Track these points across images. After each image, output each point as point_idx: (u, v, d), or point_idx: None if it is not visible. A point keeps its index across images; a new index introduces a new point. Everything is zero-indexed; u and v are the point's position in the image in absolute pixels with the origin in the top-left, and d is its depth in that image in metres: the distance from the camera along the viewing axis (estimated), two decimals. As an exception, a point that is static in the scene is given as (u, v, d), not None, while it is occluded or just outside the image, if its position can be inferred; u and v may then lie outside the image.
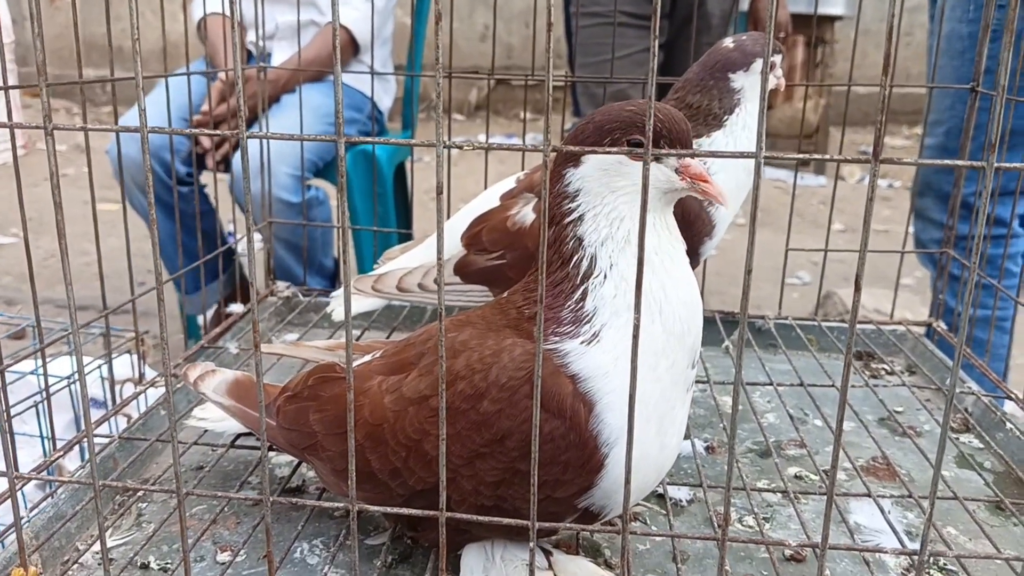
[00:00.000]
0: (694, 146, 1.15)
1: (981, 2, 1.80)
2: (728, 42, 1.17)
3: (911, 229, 1.94)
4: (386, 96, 2.63)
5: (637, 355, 0.62)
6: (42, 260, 3.62)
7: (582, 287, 0.76)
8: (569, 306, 0.76)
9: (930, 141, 1.97)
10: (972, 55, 1.83)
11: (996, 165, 0.58)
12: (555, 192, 0.78)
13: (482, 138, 5.83)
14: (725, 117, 1.17)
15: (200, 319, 2.54)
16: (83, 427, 1.14)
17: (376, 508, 0.70)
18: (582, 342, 0.75)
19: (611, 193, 0.75)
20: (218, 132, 0.61)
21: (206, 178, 2.32)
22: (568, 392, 0.73)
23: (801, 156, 0.60)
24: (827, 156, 0.60)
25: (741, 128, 1.17)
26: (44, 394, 1.15)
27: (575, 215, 0.76)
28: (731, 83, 1.17)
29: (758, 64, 1.15)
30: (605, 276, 0.75)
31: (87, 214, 1.22)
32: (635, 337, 0.62)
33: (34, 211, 3.84)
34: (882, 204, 4.73)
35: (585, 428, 0.73)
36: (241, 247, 2.36)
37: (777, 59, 1.21)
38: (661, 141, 0.75)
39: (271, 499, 0.69)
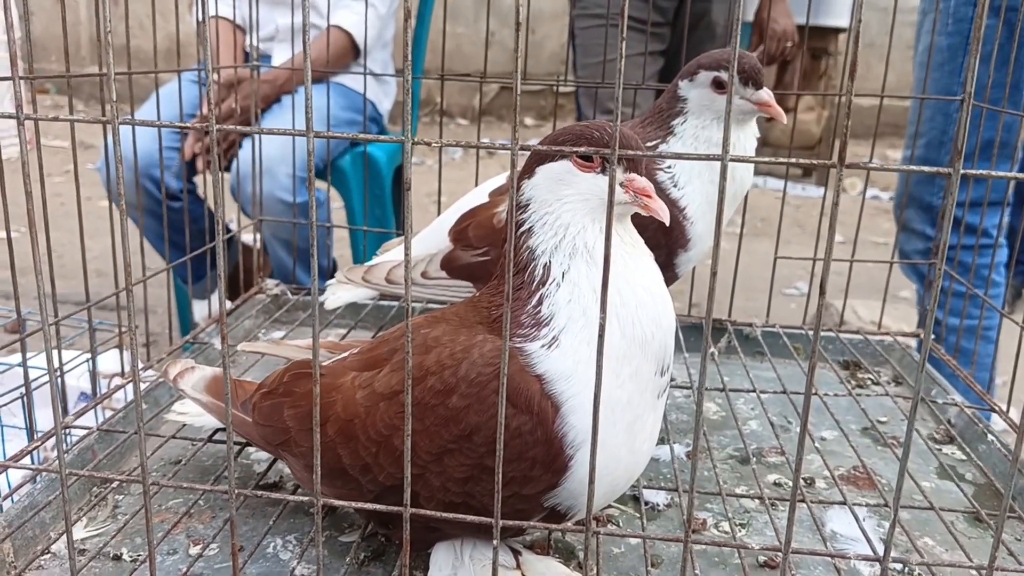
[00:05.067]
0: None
1: (959, 15, 1.81)
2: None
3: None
4: (386, 99, 2.63)
5: (602, 354, 0.62)
6: (41, 256, 3.62)
7: (538, 293, 0.77)
8: (528, 310, 0.77)
9: (909, 154, 1.98)
10: (951, 67, 1.83)
11: (963, 172, 0.59)
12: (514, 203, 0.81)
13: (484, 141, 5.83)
14: (671, 121, 1.15)
15: (197, 316, 2.55)
16: (77, 418, 1.14)
17: (341, 503, 0.70)
18: (542, 345, 0.76)
19: (557, 201, 0.77)
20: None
21: (200, 183, 2.33)
22: (536, 390, 0.73)
23: (765, 160, 0.60)
24: (789, 160, 0.60)
25: (693, 139, 1.14)
26: (27, 388, 1.15)
27: (526, 226, 0.78)
28: (678, 90, 1.15)
29: (702, 76, 1.12)
30: (558, 284, 0.77)
31: (88, 210, 1.23)
32: (600, 336, 0.62)
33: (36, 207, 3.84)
34: (883, 217, 4.73)
35: (552, 427, 0.73)
36: (246, 237, 2.37)
37: (736, 75, 1.12)
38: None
39: (236, 491, 0.69)
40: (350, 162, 2.46)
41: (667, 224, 0.76)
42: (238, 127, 0.60)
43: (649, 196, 0.74)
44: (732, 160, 0.58)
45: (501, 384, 0.62)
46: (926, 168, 0.59)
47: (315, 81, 2.46)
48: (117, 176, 0.61)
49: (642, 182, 0.75)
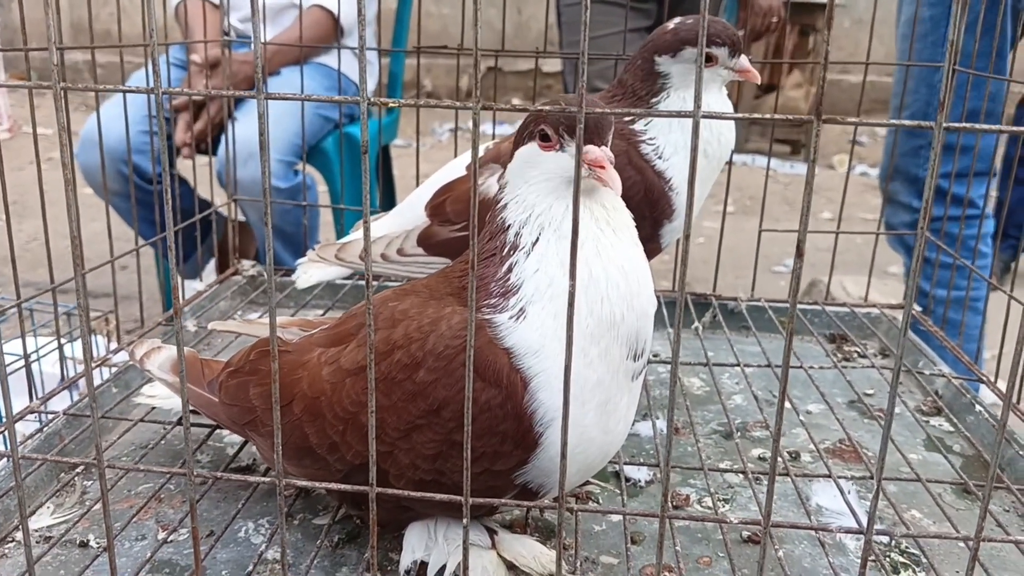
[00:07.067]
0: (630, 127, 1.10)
1: None
2: (670, 24, 1.10)
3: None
4: (370, 79, 2.60)
5: (572, 323, 0.59)
6: (24, 243, 3.58)
7: (508, 261, 0.76)
8: (498, 278, 0.76)
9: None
10: (934, 38, 1.81)
11: (945, 126, 0.56)
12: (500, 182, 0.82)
13: (469, 125, 5.80)
14: (651, 100, 1.11)
15: (183, 295, 2.51)
16: (44, 403, 1.11)
17: (305, 484, 0.68)
18: (510, 317, 0.74)
19: (525, 184, 0.78)
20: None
21: (182, 167, 2.29)
22: (505, 363, 0.71)
23: (742, 116, 0.57)
24: (766, 116, 0.57)
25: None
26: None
27: (503, 203, 0.79)
28: (656, 66, 1.10)
29: (688, 52, 1.07)
30: (527, 252, 0.76)
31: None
32: (570, 305, 0.59)
33: (16, 194, 3.80)
34: (871, 193, 4.71)
35: (521, 401, 0.71)
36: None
37: (722, 52, 1.09)
38: (560, 129, 0.75)
39: (195, 474, 0.66)
40: (333, 144, 2.42)
41: (616, 192, 0.73)
42: (185, 91, 0.57)
43: (602, 167, 0.72)
44: (704, 116, 0.55)
45: (468, 357, 0.60)
46: (907, 123, 0.56)
47: (298, 62, 2.43)
48: (60, 142, 0.58)
49: (596, 153, 0.72)
